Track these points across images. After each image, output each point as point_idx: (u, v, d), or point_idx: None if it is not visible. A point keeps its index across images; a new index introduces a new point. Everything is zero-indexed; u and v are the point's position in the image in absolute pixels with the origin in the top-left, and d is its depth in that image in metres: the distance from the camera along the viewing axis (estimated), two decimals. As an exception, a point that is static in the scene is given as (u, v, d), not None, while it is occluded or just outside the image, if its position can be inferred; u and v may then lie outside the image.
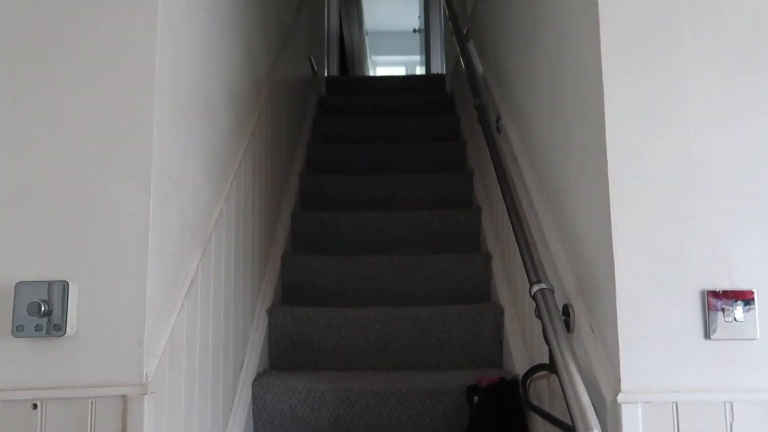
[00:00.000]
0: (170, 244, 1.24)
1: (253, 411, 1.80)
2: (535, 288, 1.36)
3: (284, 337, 2.06)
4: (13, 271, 1.11)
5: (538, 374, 1.54)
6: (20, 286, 1.10)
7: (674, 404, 1.10)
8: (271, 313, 2.08)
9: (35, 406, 1.09)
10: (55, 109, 1.15)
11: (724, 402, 1.11)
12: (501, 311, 2.10)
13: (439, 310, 2.09)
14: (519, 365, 1.88)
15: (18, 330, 1.09)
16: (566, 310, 1.37)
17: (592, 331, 1.26)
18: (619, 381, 1.12)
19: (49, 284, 1.10)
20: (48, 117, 1.14)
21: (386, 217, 2.61)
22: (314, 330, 2.06)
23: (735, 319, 1.13)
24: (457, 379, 1.83)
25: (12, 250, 1.12)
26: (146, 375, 1.10)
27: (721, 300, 1.14)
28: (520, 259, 1.62)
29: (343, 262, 2.35)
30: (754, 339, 1.13)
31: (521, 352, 1.92)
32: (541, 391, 1.59)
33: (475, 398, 1.65)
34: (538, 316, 1.35)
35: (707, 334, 1.13)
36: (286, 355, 2.06)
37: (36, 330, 1.09)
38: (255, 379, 1.85)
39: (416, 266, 2.33)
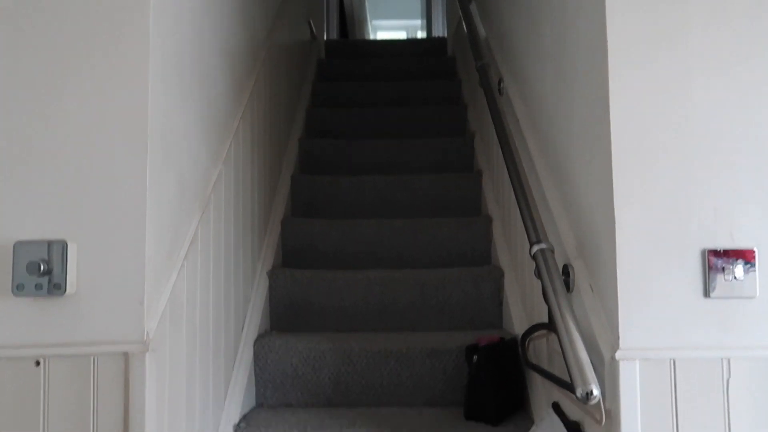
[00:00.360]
0: (168, 205, 1.24)
1: (255, 370, 1.82)
2: (536, 248, 1.36)
3: (285, 299, 2.08)
4: (11, 231, 1.11)
5: (537, 333, 1.55)
6: (19, 245, 1.10)
7: (672, 361, 1.11)
8: (272, 275, 2.09)
9: (38, 363, 1.10)
10: (50, 71, 1.13)
11: (722, 359, 1.12)
12: (501, 274, 2.10)
13: (438, 272, 2.10)
14: (518, 327, 1.89)
15: (18, 289, 1.09)
16: (566, 270, 1.37)
17: (592, 291, 1.27)
18: (618, 339, 1.12)
19: (48, 244, 1.10)
20: (43, 78, 1.13)
21: (386, 181, 2.59)
22: (314, 292, 2.07)
23: (735, 278, 1.13)
24: (456, 339, 1.85)
25: (10, 210, 1.11)
26: (147, 333, 1.11)
27: (721, 259, 1.14)
28: (521, 222, 1.61)
29: (343, 226, 2.35)
30: (754, 297, 1.13)
31: (521, 313, 1.93)
32: (540, 350, 1.60)
33: (475, 357, 1.66)
34: (538, 275, 1.35)
35: (707, 293, 1.13)
36: (286, 316, 2.08)
37: (36, 289, 1.09)
38: (256, 340, 1.87)
39: (416, 230, 2.33)
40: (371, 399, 1.80)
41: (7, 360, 1.10)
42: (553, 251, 1.37)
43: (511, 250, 2.12)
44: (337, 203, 2.59)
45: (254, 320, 1.91)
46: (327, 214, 2.57)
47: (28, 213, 1.11)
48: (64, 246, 1.10)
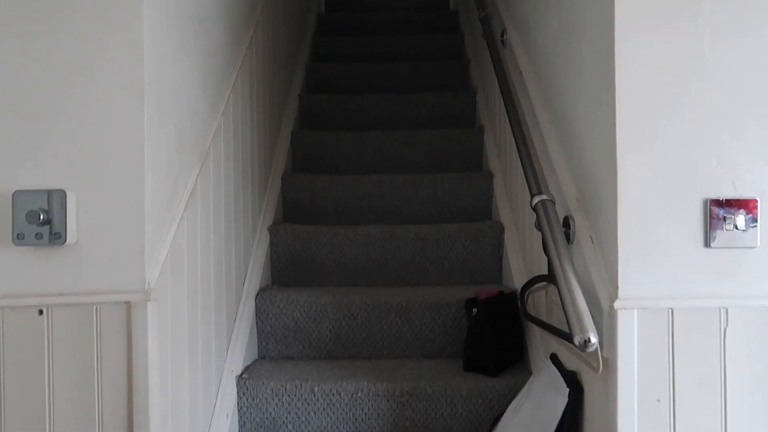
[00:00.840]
0: (167, 155, 1.23)
1: (256, 323, 1.84)
2: (536, 199, 1.35)
3: (286, 254, 2.08)
4: (10, 180, 1.10)
5: (536, 286, 1.56)
6: (18, 194, 1.10)
7: (670, 310, 1.12)
8: (273, 230, 2.09)
9: (41, 312, 1.11)
10: (44, 20, 1.10)
11: (720, 308, 1.12)
12: (501, 229, 2.10)
13: (439, 228, 2.10)
14: (518, 281, 1.90)
15: (18, 238, 1.09)
16: (567, 222, 1.37)
17: (592, 242, 1.26)
18: (617, 288, 1.12)
19: (47, 193, 1.10)
20: (38, 29, 1.11)
21: (387, 136, 2.57)
22: (315, 247, 2.08)
23: (736, 228, 1.13)
24: (456, 293, 1.86)
25: (8, 160, 1.11)
26: (148, 283, 1.12)
27: (723, 209, 1.13)
28: (523, 178, 1.59)
29: (343, 181, 2.34)
30: (754, 247, 1.13)
31: (520, 268, 1.94)
32: (538, 303, 1.62)
33: (474, 310, 1.67)
34: (539, 227, 1.35)
35: (707, 243, 1.13)
36: (287, 271, 2.09)
37: (37, 238, 1.09)
38: (258, 294, 1.88)
39: (417, 185, 2.32)
40: (372, 351, 1.82)
41: (11, 309, 1.11)
42: (554, 202, 1.37)
43: (512, 206, 2.12)
44: (337, 159, 2.58)
45: (255, 274, 1.92)
46: (328, 170, 2.56)
47: (26, 162, 1.11)
48: (63, 195, 1.09)
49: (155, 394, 1.12)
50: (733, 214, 1.13)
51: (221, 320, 1.57)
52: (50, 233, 1.10)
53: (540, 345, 1.64)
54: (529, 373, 1.64)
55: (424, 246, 2.07)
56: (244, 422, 1.59)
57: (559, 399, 1.27)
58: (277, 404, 1.58)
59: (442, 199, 2.31)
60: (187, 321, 1.32)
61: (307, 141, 2.59)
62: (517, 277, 1.94)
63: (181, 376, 1.28)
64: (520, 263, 1.95)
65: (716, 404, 1.11)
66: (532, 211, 1.41)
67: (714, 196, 1.13)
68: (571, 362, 1.35)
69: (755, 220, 1.13)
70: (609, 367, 1.13)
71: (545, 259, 1.39)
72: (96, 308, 1.11)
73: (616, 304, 1.11)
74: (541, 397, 1.35)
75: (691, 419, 1.11)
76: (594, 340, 1.08)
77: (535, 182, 1.41)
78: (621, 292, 1.12)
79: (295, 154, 2.59)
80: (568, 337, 1.15)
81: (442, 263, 2.07)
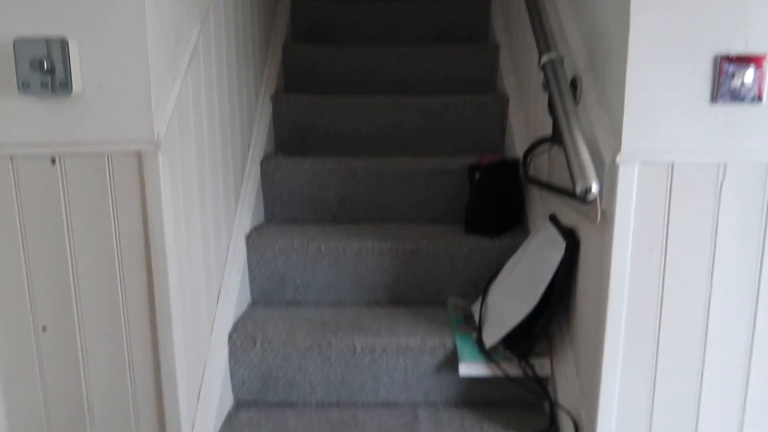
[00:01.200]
0: (167, 8, 1.19)
1: (262, 188, 1.87)
2: (545, 57, 1.33)
3: (289, 123, 2.08)
4: (8, 27, 1.08)
5: (538, 149, 1.58)
6: (19, 42, 1.08)
7: (670, 164, 1.14)
8: (275, 99, 2.07)
9: (53, 161, 1.13)
10: None
11: (719, 163, 1.14)
12: (506, 100, 2.09)
13: (443, 98, 2.08)
14: (521, 152, 1.92)
15: (24, 87, 1.09)
16: (574, 83, 1.36)
17: (598, 102, 1.26)
18: (620, 143, 1.14)
19: (47, 41, 1.08)
20: None
21: (391, 6, 2.48)
22: (319, 117, 2.07)
23: (743, 84, 1.12)
24: (459, 162, 1.88)
25: (6, 4, 1.07)
26: (157, 134, 1.13)
27: (733, 64, 1.12)
28: (529, 49, 1.55)
29: (346, 52, 2.28)
30: (759, 104, 1.13)
31: (524, 138, 1.94)
32: (540, 166, 1.64)
33: (477, 175, 1.70)
34: (546, 87, 1.34)
35: (714, 98, 1.13)
36: (291, 140, 2.09)
37: (42, 87, 1.09)
38: (263, 160, 1.90)
39: (421, 57, 2.27)
40: (375, 216, 1.88)
41: (23, 158, 1.13)
42: (562, 61, 1.35)
43: (517, 77, 2.09)
44: (339, 30, 2.50)
45: (260, 142, 1.93)
46: (329, 41, 2.49)
47: (25, 8, 1.08)
48: (65, 43, 1.08)
49: (170, 237, 1.17)
50: (743, 70, 1.12)
51: (228, 181, 1.61)
52: (55, 82, 1.09)
53: (540, 208, 1.68)
54: (528, 235, 1.70)
55: (428, 116, 2.07)
56: (255, 277, 1.67)
57: (555, 252, 1.33)
58: (285, 261, 1.65)
59: (447, 70, 2.27)
60: (196, 176, 1.34)
61: (308, 10, 2.50)
62: (519, 147, 1.95)
63: (193, 227, 1.32)
64: (524, 134, 1.96)
65: (705, 254, 1.17)
66: (538, 81, 1.40)
67: (725, 52, 1.12)
68: (569, 219, 1.40)
69: (763, 75, 1.12)
70: (606, 218, 1.17)
71: (549, 129, 1.39)
72: (108, 157, 1.13)
73: (618, 158, 1.13)
74: (538, 252, 1.42)
75: (680, 267, 1.17)
76: (595, 188, 1.11)
77: (544, 41, 1.38)
78: (624, 146, 1.14)
79: (295, 24, 2.51)
80: (568, 191, 1.19)
81: (445, 133, 2.08)
